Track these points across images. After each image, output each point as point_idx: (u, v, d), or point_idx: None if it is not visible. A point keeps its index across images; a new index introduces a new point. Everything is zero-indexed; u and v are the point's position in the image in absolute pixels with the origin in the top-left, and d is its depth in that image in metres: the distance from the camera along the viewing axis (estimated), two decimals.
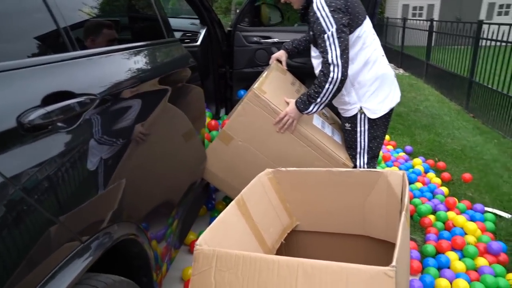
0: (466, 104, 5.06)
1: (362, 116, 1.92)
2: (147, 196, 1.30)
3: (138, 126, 1.22)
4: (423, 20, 7.81)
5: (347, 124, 1.98)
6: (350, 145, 2.01)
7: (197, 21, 2.91)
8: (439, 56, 6.29)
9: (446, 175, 3.02)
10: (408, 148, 3.60)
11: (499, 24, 4.30)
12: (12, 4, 0.90)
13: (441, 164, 3.24)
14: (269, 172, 1.72)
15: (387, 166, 3.12)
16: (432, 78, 6.66)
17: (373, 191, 1.64)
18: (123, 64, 1.29)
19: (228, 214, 1.37)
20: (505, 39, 4.05)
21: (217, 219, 1.30)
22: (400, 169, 3.07)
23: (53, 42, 1.00)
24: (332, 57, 1.73)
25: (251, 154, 1.91)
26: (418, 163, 3.20)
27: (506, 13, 13.65)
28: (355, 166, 1.99)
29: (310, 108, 1.83)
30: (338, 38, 1.73)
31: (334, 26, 1.72)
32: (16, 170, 0.73)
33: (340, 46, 1.73)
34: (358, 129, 1.95)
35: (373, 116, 1.91)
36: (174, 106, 1.57)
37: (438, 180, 2.93)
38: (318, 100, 1.80)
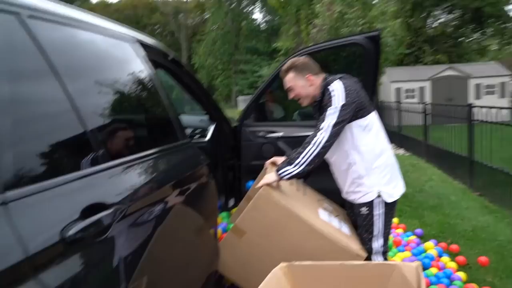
0: (470, 183, 5.10)
1: (379, 200, 1.98)
2: None
3: (158, 228, 1.29)
4: (416, 103, 8.24)
5: (363, 209, 2.02)
6: (367, 229, 2.02)
7: (205, 118, 3.11)
8: (436, 135, 6.51)
9: (461, 258, 2.95)
10: (418, 231, 3.56)
11: (488, 107, 4.56)
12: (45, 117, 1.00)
13: (454, 247, 3.19)
14: (283, 267, 1.73)
15: (399, 251, 3.07)
16: (433, 157, 6.81)
17: (389, 284, 1.63)
18: (144, 172, 1.39)
19: None
20: (495, 119, 4.26)
21: None
22: (412, 253, 3.01)
23: (86, 156, 1.10)
24: (325, 124, 1.85)
25: (264, 249, 1.92)
26: (431, 247, 3.15)
27: (493, 93, 14.40)
28: (370, 251, 2.00)
29: (286, 169, 1.86)
30: (340, 112, 1.86)
31: (342, 102, 1.87)
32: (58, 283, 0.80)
33: (338, 118, 1.86)
34: (376, 213, 1.98)
35: (390, 200, 1.98)
36: (189, 205, 1.65)
37: (453, 265, 2.86)
38: (298, 161, 1.84)
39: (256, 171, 2.51)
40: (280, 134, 2.77)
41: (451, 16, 20.26)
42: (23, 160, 0.86)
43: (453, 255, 3.06)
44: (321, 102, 2.00)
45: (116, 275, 1.01)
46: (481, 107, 4.80)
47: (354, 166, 1.99)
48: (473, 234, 3.50)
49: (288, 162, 1.88)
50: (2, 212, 0.75)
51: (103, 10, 39.80)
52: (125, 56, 1.66)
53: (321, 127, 1.87)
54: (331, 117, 1.87)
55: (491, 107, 4.51)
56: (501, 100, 14.14)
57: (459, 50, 19.42)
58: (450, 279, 2.64)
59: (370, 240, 2.02)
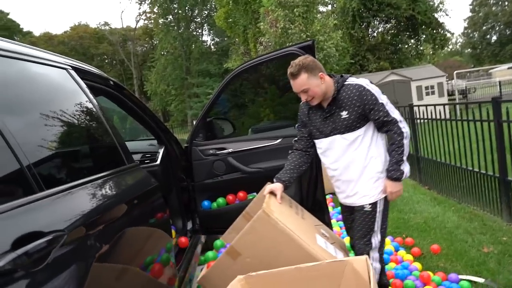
0: (419, 178, 5.39)
1: (383, 198, 2.08)
2: None
3: (105, 256, 1.25)
4: None
5: (367, 206, 2.08)
6: (368, 226, 2.09)
7: (155, 142, 3.09)
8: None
9: (416, 250, 3.09)
10: None
11: (426, 105, 4.89)
12: None
13: (409, 240, 3.33)
14: (241, 279, 1.73)
15: None
16: None
17: (343, 279, 1.68)
18: (87, 197, 1.36)
19: None
20: (433, 116, 4.57)
21: None
22: None
23: (19, 186, 1.07)
24: (396, 116, 1.99)
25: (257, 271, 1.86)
26: (388, 243, 3.26)
27: (433, 93, 15.42)
28: (370, 247, 2.09)
29: (403, 171, 2.00)
30: (388, 105, 1.99)
31: (385, 97, 2.02)
32: None
33: (394, 112, 2.00)
34: (378, 209, 2.08)
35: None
36: (139, 230, 1.62)
37: (409, 257, 2.99)
38: (405, 158, 2.00)
39: (209, 190, 2.52)
40: (230, 150, 2.80)
41: (388, 25, 21.59)
42: None
43: (408, 248, 3.20)
44: (336, 98, 2.03)
45: None
46: (419, 106, 5.13)
47: (374, 160, 2.06)
48: (425, 226, 3.68)
49: (398, 164, 1.99)
50: None
51: (47, 43, 38.44)
52: (62, 84, 1.64)
53: (398, 119, 1.99)
54: (392, 109, 2.00)
55: (427, 105, 4.84)
56: (441, 99, 15.14)
57: (400, 56, 20.68)
58: (408, 270, 2.76)
59: (372, 236, 2.09)
